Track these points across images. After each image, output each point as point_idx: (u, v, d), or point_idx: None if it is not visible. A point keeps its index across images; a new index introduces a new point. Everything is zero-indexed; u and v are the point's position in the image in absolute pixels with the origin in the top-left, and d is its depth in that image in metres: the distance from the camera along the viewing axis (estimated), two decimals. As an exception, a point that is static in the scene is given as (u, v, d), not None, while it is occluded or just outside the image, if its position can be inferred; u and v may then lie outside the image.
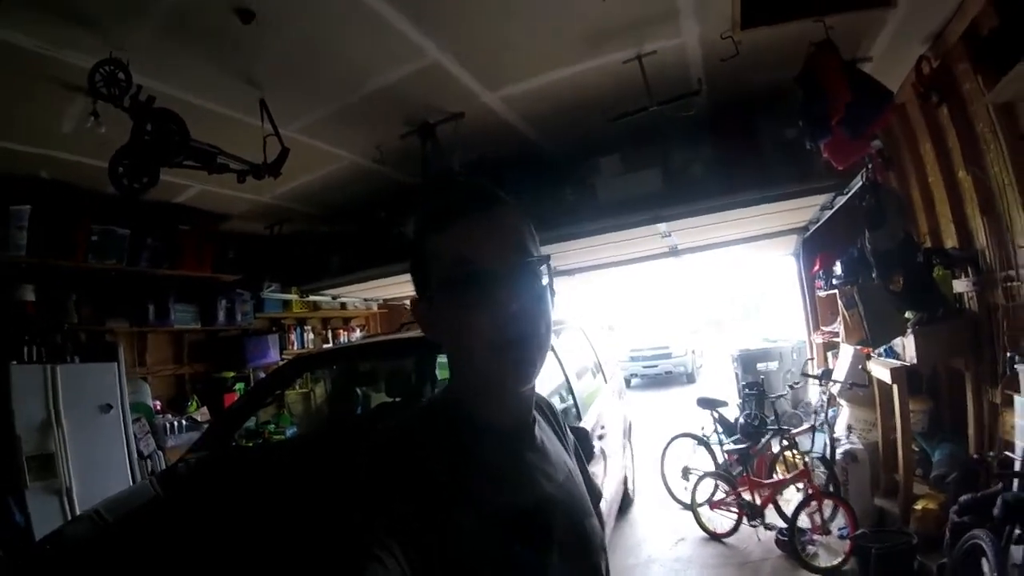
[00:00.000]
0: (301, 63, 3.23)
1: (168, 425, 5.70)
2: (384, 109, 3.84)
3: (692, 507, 4.76)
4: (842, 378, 4.60)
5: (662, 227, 4.84)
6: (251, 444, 4.90)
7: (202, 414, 6.12)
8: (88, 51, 2.78)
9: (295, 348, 7.69)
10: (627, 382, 13.49)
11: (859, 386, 4.42)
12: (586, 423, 3.76)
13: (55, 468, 4.35)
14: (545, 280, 0.87)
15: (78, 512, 4.10)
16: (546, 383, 3.70)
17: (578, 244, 5.16)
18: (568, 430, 1.14)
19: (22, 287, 4.66)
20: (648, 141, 4.46)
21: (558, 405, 3.64)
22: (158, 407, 5.86)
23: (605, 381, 5.17)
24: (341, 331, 8.64)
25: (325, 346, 8.13)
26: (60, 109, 3.41)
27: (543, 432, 0.99)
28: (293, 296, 7.32)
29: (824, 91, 2.97)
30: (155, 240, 5.52)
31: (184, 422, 5.87)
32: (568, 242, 4.98)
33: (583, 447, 2.65)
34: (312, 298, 7.47)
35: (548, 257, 0.90)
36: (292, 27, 2.87)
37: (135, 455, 4.97)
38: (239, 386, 6.59)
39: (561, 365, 3.88)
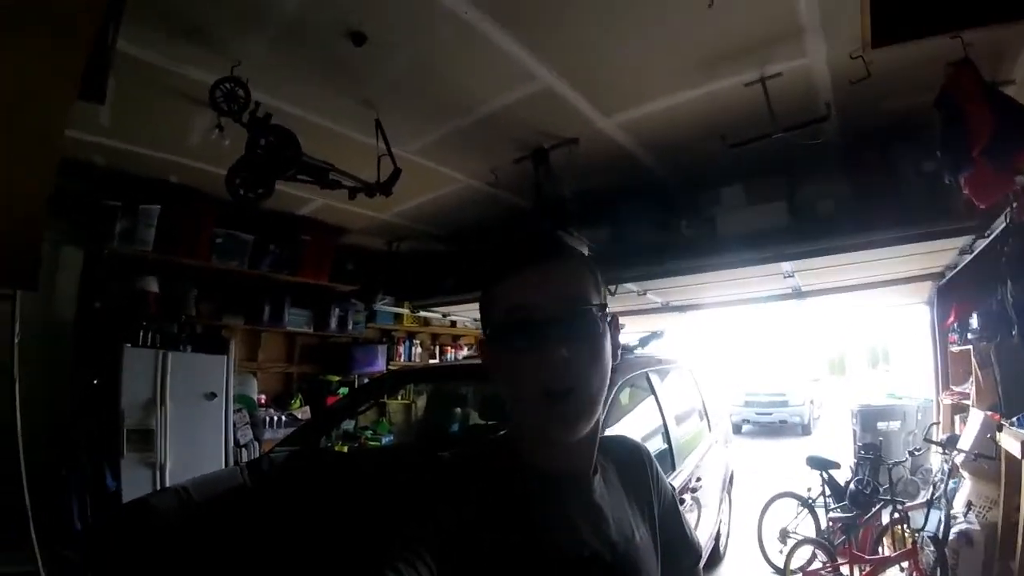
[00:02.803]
0: (414, 86, 3.27)
1: (269, 419, 5.99)
2: (497, 133, 3.81)
3: (785, 573, 4.36)
4: (967, 447, 4.04)
5: (785, 266, 4.54)
6: (344, 447, 5.05)
7: (303, 412, 6.33)
8: (209, 68, 2.97)
9: (402, 360, 7.85)
10: (738, 428, 13.07)
11: (985, 457, 3.83)
12: (680, 473, 3.53)
13: (153, 443, 4.71)
14: (604, 329, 0.87)
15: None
16: (640, 427, 3.52)
17: (694, 279, 4.98)
18: (659, 482, 1.10)
19: (146, 278, 5.07)
20: (773, 172, 4.23)
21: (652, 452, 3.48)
22: (262, 401, 6.18)
23: (709, 428, 4.86)
24: (449, 348, 8.71)
25: (431, 361, 8.24)
26: (188, 120, 3.67)
27: (606, 485, 0.96)
28: (405, 310, 7.50)
29: (965, 116, 2.62)
30: (277, 247, 5.82)
31: (284, 418, 6.13)
32: (683, 276, 4.79)
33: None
34: (423, 314, 7.66)
35: (605, 306, 0.89)
36: (404, 51, 2.93)
37: (231, 443, 5.30)
38: (343, 390, 6.78)
39: (660, 408, 3.67)
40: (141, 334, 4.89)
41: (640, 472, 1.07)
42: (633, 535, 0.94)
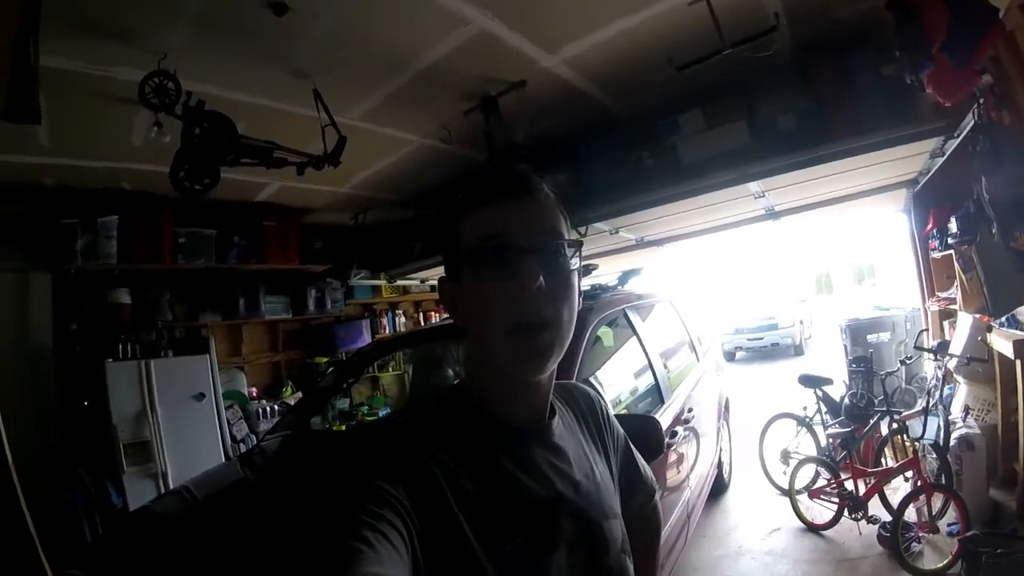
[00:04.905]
0: (345, 48, 3.16)
1: (261, 411, 6.02)
2: (440, 86, 3.68)
3: (790, 494, 4.39)
4: (959, 351, 4.02)
5: (754, 187, 4.47)
6: (342, 426, 5.19)
7: (296, 399, 6.31)
8: (136, 65, 2.90)
9: (387, 331, 7.80)
10: (731, 355, 13.25)
11: (978, 360, 3.83)
12: (670, 406, 3.48)
13: (151, 453, 4.77)
14: (574, 266, 0.87)
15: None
16: (623, 365, 3.50)
17: (663, 211, 4.86)
18: (611, 424, 1.12)
19: (117, 291, 5.07)
20: (730, 93, 4.10)
21: (638, 388, 3.45)
22: (254, 394, 6.18)
23: (698, 358, 4.82)
24: (433, 313, 8.62)
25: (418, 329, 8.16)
26: (127, 123, 3.60)
27: (564, 427, 0.98)
28: (382, 282, 7.42)
29: (919, 13, 2.52)
30: (241, 237, 5.76)
31: (277, 407, 6.14)
32: (652, 209, 4.68)
33: (651, 439, 2.42)
34: (401, 283, 7.60)
35: (580, 242, 0.89)
36: (327, 12, 2.81)
37: (228, 439, 5.33)
38: (331, 371, 6.72)
39: (642, 344, 3.61)
40: (120, 347, 4.91)
41: (593, 413, 1.09)
42: (593, 472, 0.97)
